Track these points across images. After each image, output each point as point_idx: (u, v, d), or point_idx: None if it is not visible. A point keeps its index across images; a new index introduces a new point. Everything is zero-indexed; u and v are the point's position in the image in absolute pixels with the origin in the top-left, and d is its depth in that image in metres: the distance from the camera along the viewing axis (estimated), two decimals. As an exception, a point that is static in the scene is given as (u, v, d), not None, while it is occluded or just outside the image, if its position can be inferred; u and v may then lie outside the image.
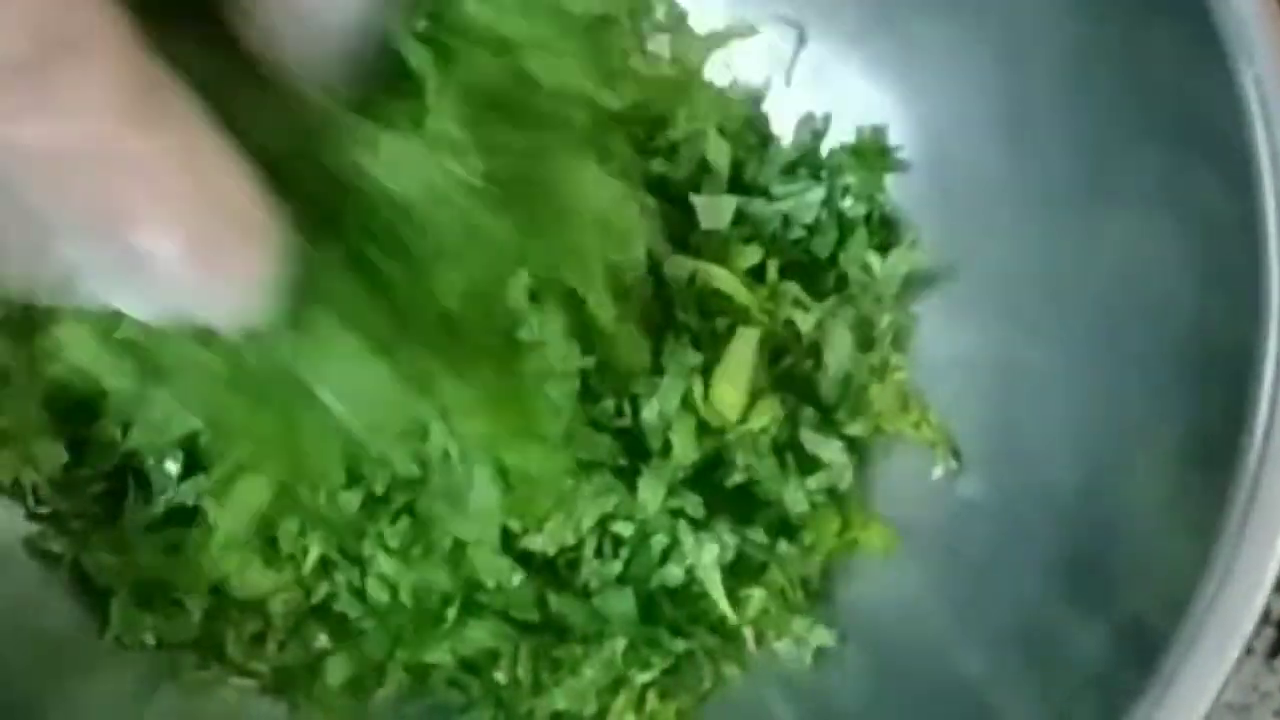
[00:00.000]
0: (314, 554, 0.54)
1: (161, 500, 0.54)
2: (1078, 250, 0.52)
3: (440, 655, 0.54)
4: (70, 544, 0.54)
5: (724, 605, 0.54)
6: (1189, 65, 0.46)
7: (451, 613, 0.53)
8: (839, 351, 0.57)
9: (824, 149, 0.61)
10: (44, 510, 0.55)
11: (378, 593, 0.54)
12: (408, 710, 0.55)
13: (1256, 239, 0.43)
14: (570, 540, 0.53)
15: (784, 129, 0.62)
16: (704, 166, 0.59)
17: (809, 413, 0.56)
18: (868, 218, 0.60)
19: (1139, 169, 0.49)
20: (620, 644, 0.54)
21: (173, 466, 0.54)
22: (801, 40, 0.62)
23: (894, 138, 0.60)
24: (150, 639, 0.54)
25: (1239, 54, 0.43)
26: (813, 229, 0.59)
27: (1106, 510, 0.48)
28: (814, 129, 0.61)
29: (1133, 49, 0.48)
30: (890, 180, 0.60)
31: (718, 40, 0.63)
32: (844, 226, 0.60)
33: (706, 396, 0.54)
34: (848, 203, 0.60)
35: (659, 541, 0.54)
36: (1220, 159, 0.45)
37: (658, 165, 0.58)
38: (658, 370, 0.53)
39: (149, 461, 0.54)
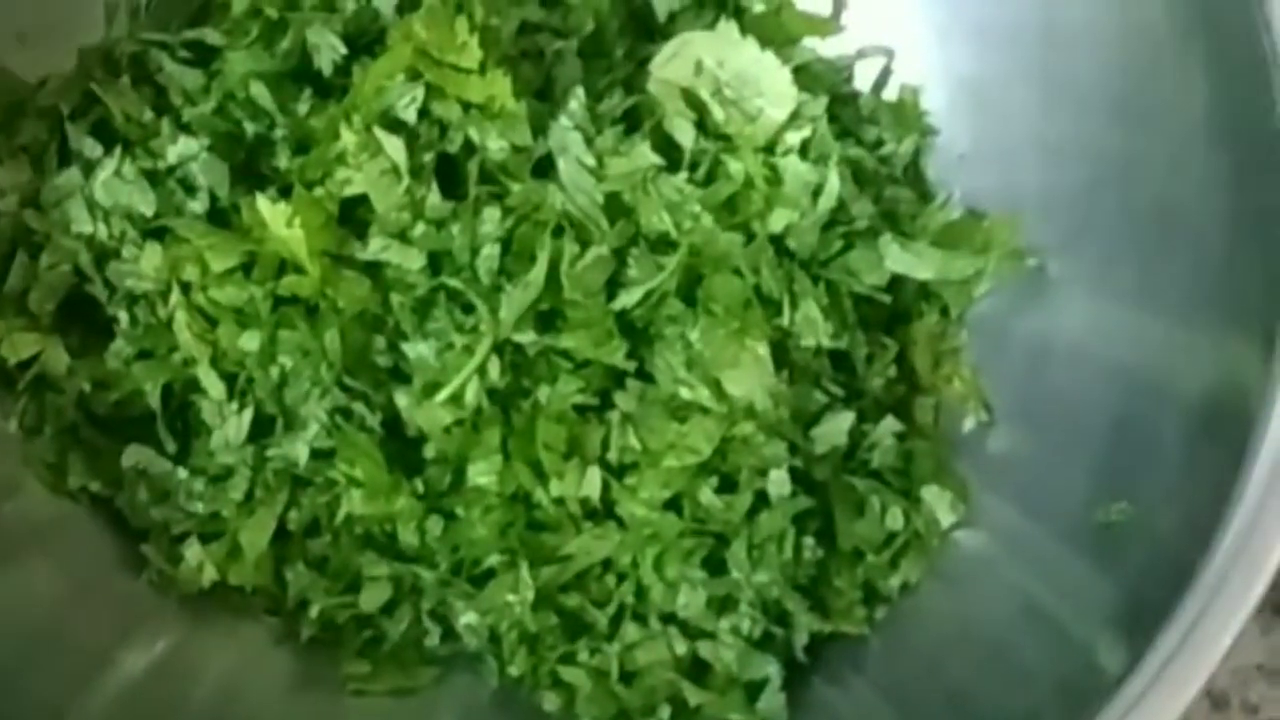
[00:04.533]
0: (343, 511, 0.54)
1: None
2: (1114, 190, 0.53)
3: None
4: (105, 485, 0.55)
5: None
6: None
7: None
8: None
9: (860, 101, 0.61)
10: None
11: (408, 537, 0.54)
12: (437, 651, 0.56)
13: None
14: None
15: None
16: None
17: None
18: (904, 172, 0.60)
19: (1177, 100, 0.50)
20: None
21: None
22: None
23: (929, 93, 0.60)
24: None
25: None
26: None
27: (1133, 453, 0.48)
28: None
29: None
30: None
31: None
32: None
33: None
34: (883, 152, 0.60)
35: None
36: (1254, 90, 0.45)
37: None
38: None
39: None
